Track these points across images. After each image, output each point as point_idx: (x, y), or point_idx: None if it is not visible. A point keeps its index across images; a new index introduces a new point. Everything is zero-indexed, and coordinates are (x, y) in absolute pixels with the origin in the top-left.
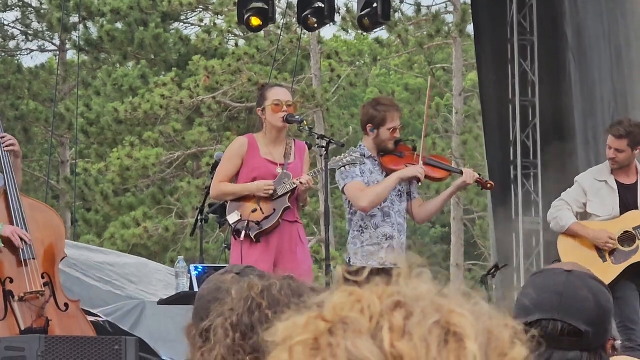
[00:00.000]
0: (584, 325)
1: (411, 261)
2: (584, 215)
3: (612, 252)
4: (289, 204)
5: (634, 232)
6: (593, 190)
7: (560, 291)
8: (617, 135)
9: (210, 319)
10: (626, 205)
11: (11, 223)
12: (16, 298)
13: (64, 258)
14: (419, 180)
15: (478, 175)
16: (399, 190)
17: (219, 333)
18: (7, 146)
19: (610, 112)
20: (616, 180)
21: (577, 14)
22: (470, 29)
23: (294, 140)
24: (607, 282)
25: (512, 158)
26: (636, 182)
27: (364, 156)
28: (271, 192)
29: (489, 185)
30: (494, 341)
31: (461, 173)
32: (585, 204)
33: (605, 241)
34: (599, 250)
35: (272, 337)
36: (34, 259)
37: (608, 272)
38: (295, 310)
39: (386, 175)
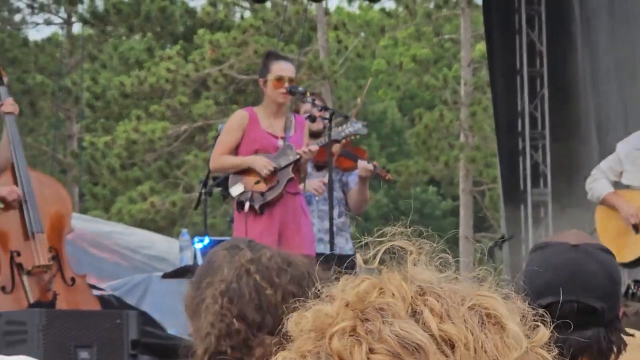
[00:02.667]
0: (599, 302)
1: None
2: (621, 184)
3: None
4: (292, 175)
5: None
6: (629, 159)
7: (571, 269)
8: None
9: (199, 293)
10: None
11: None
12: (25, 271)
13: (70, 232)
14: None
15: (372, 168)
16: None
17: (208, 302)
18: (9, 111)
19: (615, 82)
20: None
21: None
22: None
23: (294, 114)
24: (638, 254)
25: (520, 129)
26: None
27: None
28: (268, 172)
29: (387, 177)
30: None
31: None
32: (621, 173)
33: (629, 215)
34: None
35: (298, 326)
36: (41, 232)
37: (638, 244)
38: (313, 300)
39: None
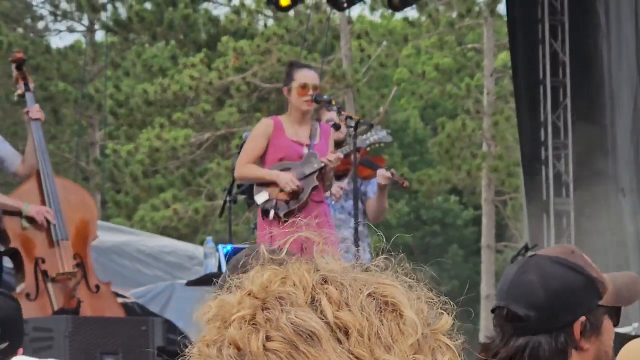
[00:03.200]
0: (524, 309)
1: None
2: None
3: None
4: (317, 183)
5: None
6: None
7: (511, 278)
8: None
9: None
10: None
11: (43, 204)
12: (50, 279)
13: (95, 238)
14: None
15: (390, 175)
16: (345, 190)
17: None
18: (36, 117)
19: (637, 91)
20: None
21: None
22: (501, 8)
23: (319, 122)
24: None
25: (543, 139)
26: None
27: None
28: (291, 189)
29: (405, 185)
30: (421, 311)
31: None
32: None
33: None
34: None
35: (205, 316)
36: (66, 239)
37: None
38: (220, 291)
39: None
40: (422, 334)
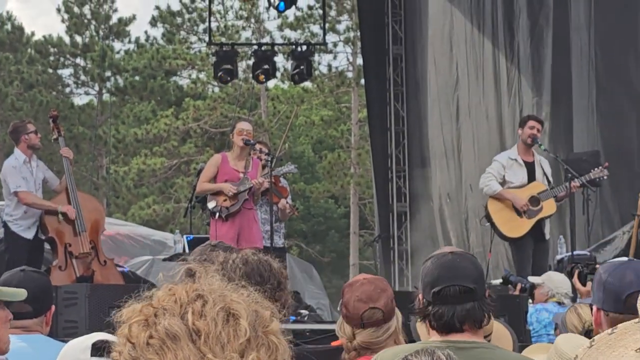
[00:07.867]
0: (472, 284)
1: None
2: (502, 183)
3: (525, 210)
4: (248, 197)
5: (537, 196)
6: (508, 165)
7: (452, 265)
8: (539, 120)
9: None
10: (529, 177)
11: None
12: (74, 256)
13: (104, 230)
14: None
15: (288, 205)
16: (267, 199)
17: None
18: (66, 155)
19: (429, 140)
20: (522, 160)
21: (424, 72)
22: (362, 81)
23: (252, 157)
24: (524, 231)
25: (389, 165)
26: (533, 161)
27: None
28: (232, 194)
29: (295, 213)
30: (260, 318)
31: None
32: (504, 176)
33: (522, 204)
34: (516, 210)
35: (119, 318)
36: (84, 231)
37: (524, 224)
38: (138, 300)
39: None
40: (253, 335)
